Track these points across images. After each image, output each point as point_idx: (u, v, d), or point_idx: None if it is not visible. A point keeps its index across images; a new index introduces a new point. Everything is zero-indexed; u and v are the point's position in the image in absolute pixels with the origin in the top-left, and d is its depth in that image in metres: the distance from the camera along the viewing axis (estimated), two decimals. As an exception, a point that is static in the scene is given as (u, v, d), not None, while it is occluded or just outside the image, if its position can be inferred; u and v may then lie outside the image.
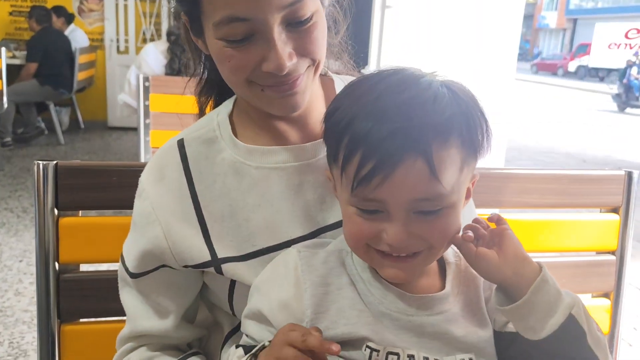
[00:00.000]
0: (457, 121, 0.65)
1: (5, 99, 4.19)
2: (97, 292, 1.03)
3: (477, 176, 0.73)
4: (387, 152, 0.62)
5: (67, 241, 1.01)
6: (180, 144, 0.83)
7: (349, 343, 0.68)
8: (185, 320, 0.85)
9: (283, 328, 0.65)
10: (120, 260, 0.86)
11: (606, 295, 1.29)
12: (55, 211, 0.99)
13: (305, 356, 0.61)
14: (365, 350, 0.68)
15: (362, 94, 0.67)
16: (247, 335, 0.75)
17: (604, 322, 1.29)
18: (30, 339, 2.29)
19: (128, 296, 0.85)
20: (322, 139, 0.80)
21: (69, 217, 1.01)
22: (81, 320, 1.05)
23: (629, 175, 1.25)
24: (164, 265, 0.81)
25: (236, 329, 0.85)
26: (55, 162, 0.99)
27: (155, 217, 0.79)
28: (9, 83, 4.46)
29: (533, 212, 1.27)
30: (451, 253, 0.78)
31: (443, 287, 0.74)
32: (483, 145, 0.69)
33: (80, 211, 1.03)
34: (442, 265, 0.76)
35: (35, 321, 1.02)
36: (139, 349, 0.86)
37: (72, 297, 1.02)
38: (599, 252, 1.29)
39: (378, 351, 0.68)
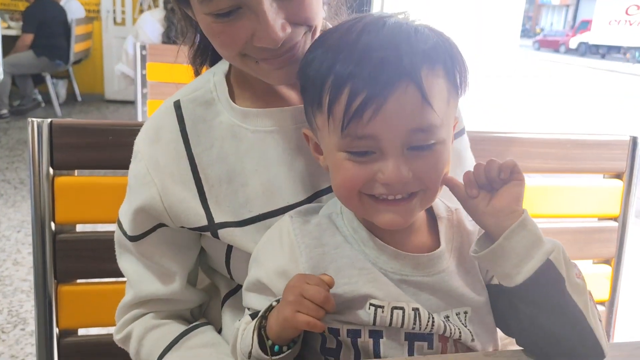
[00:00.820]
0: (441, 50, 0.65)
1: (1, 69, 4.13)
2: (93, 252, 1.01)
3: (457, 120, 0.73)
4: (377, 81, 0.61)
5: (63, 201, 0.99)
6: (177, 106, 0.81)
7: (353, 302, 0.68)
8: (189, 284, 0.84)
9: (295, 280, 0.65)
10: (117, 226, 0.84)
11: (607, 262, 1.28)
12: (51, 170, 0.98)
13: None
14: (369, 308, 0.67)
15: (340, 37, 0.66)
16: (248, 309, 0.75)
17: (605, 288, 1.29)
18: (29, 307, 2.29)
19: (128, 262, 0.84)
20: None
21: (64, 176, 0.99)
22: (78, 281, 1.04)
23: (634, 141, 1.23)
24: (161, 225, 0.80)
25: (234, 291, 0.84)
26: (49, 120, 0.97)
27: (151, 179, 0.78)
28: (4, 54, 4.39)
29: (535, 177, 1.25)
30: (442, 207, 0.77)
31: (436, 243, 0.73)
32: (463, 81, 0.69)
33: (75, 171, 1.01)
34: (434, 220, 0.75)
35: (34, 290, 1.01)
36: (143, 317, 0.85)
37: (68, 257, 1.01)
38: (600, 219, 1.28)
39: (382, 307, 0.67)
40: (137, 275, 0.82)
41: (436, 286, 0.70)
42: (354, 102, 0.62)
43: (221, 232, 0.76)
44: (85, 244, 1.02)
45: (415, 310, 0.68)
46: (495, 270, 0.68)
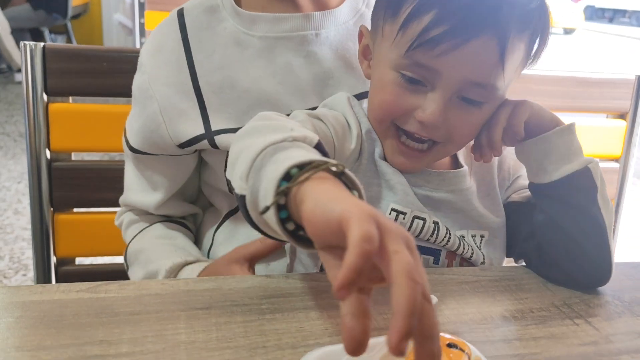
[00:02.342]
0: (538, 17, 0.63)
1: (-3, 22, 4.07)
2: (89, 181, 1.00)
3: None
4: (466, 20, 0.57)
5: (57, 128, 0.98)
6: (180, 14, 0.79)
7: (374, 204, 0.67)
8: (175, 199, 0.84)
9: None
10: (123, 135, 0.84)
11: (607, 203, 1.28)
12: (45, 97, 0.96)
13: None
14: (390, 213, 0.67)
15: None
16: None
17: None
18: (31, 254, 2.30)
19: (128, 167, 0.86)
20: (336, 8, 0.77)
21: (59, 103, 0.98)
22: (74, 210, 1.04)
23: (639, 80, 1.21)
24: (162, 155, 0.80)
25: (235, 210, 0.84)
26: (42, 44, 0.95)
27: (152, 93, 0.76)
28: (1, 8, 4.32)
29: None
30: None
31: (458, 165, 0.73)
32: (538, 53, 0.66)
33: (70, 98, 1.00)
34: None
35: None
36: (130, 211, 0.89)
37: (64, 185, 1.00)
38: (602, 159, 1.27)
39: (405, 214, 0.67)
40: (129, 180, 0.85)
41: (458, 204, 0.70)
42: (433, 29, 0.58)
43: (219, 139, 0.74)
44: (81, 172, 1.00)
45: (436, 224, 0.68)
46: (532, 164, 0.68)
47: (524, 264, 0.72)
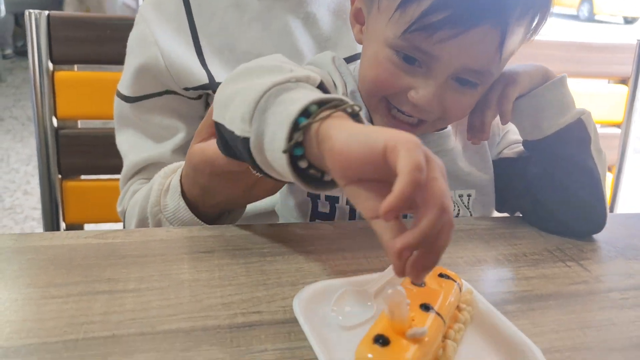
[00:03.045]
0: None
1: (2, 7, 4.08)
2: (95, 148, 1.03)
3: None
4: (467, 8, 0.54)
5: (63, 96, 1.00)
6: None
7: None
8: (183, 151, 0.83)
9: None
10: (115, 97, 0.83)
11: (608, 169, 1.28)
12: (50, 65, 0.98)
13: None
14: None
15: None
16: None
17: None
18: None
19: (124, 136, 0.84)
20: None
21: (64, 71, 0.99)
22: (82, 177, 1.06)
23: (641, 45, 1.21)
24: (168, 92, 0.78)
25: None
26: (47, 12, 0.96)
27: (153, 39, 0.76)
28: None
29: (539, 80, 1.24)
30: None
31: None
32: (536, 30, 0.63)
33: (75, 66, 1.01)
34: None
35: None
36: (132, 191, 0.82)
37: (71, 153, 1.02)
38: (604, 125, 1.27)
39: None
40: (130, 144, 0.82)
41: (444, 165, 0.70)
42: (433, 14, 0.55)
43: None
44: (88, 139, 1.03)
45: None
46: (525, 122, 0.68)
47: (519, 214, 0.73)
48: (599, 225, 0.66)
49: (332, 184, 0.46)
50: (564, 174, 0.66)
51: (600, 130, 1.28)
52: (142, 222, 0.72)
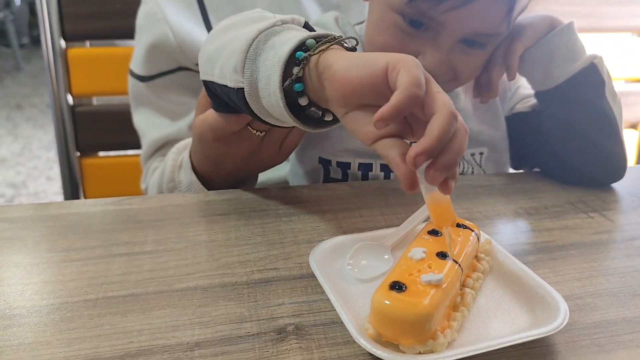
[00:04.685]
0: None
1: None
2: (112, 124, 1.03)
3: None
4: None
5: (77, 73, 1.00)
6: None
7: None
8: None
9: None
10: (129, 77, 0.84)
11: (633, 127, 1.25)
12: (63, 42, 0.98)
13: None
14: None
15: None
16: None
17: (631, 154, 1.26)
18: (65, 216, 2.39)
19: (141, 115, 0.83)
20: None
21: (77, 48, 1.00)
22: (100, 154, 1.07)
23: (664, -4, 1.17)
24: (181, 68, 0.78)
25: None
26: (57, -11, 0.96)
27: (162, 16, 0.76)
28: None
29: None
30: None
31: None
32: None
33: (87, 43, 1.02)
34: None
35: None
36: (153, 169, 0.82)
37: (88, 130, 1.03)
38: (627, 82, 1.24)
39: None
40: (148, 122, 0.82)
41: None
42: None
43: None
44: (104, 116, 1.03)
45: None
46: (536, 72, 0.65)
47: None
48: (620, 171, 0.65)
49: (331, 122, 0.47)
50: (581, 121, 0.64)
51: (625, 87, 1.25)
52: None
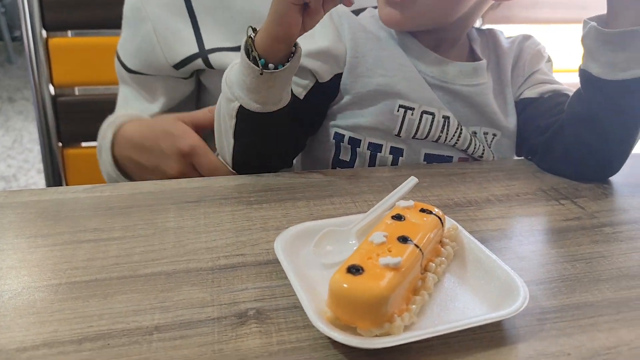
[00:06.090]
0: None
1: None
2: (94, 114, 1.01)
3: None
4: None
5: (59, 63, 1.00)
6: None
7: (382, 100, 0.67)
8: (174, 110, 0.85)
9: None
10: (115, 58, 0.85)
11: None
12: (44, 32, 0.98)
13: None
14: (397, 110, 0.67)
15: None
16: None
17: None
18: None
19: (122, 93, 0.86)
20: None
21: (58, 37, 0.99)
22: (83, 144, 1.06)
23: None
24: (159, 76, 0.81)
25: None
26: (36, -22, 0.96)
27: (146, 14, 0.77)
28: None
29: (544, 28, 1.20)
30: (474, 31, 0.76)
31: (474, 59, 0.72)
32: None
33: (69, 33, 1.01)
34: (471, 45, 0.74)
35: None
36: None
37: (70, 120, 1.02)
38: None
39: (413, 109, 0.67)
40: (124, 99, 0.85)
41: (473, 98, 0.70)
42: None
43: (213, 57, 0.75)
44: (86, 105, 1.03)
45: (446, 118, 0.68)
46: (602, 55, 0.59)
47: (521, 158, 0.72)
48: (608, 176, 0.65)
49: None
50: (613, 125, 0.61)
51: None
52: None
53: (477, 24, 0.94)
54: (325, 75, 0.66)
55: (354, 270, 0.37)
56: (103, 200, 0.56)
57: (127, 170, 0.77)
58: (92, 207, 0.55)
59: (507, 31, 1.13)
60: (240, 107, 0.59)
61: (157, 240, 0.49)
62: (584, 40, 0.62)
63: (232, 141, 0.62)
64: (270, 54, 0.56)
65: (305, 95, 0.65)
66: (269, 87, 0.57)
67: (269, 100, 0.58)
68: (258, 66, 0.56)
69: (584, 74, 0.62)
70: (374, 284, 0.36)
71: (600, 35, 0.59)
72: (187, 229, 0.51)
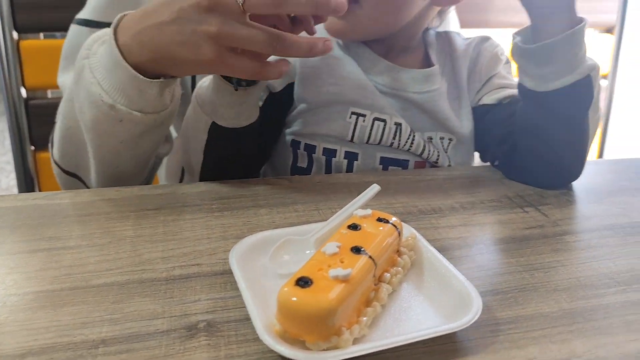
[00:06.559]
0: None
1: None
2: (67, 118, 1.02)
3: None
4: None
5: (31, 66, 0.98)
6: None
7: (334, 110, 0.67)
8: None
9: None
10: (71, 27, 0.78)
11: (594, 122, 1.26)
12: (15, 34, 0.96)
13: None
14: (350, 117, 0.67)
15: None
16: None
17: (593, 146, 1.27)
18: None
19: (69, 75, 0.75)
20: None
21: (30, 40, 0.98)
22: (56, 148, 1.05)
23: (626, -8, 1.18)
24: None
25: None
26: (7, -21, 0.94)
27: None
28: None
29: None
30: (432, 34, 0.75)
31: (429, 65, 0.72)
32: None
33: (41, 35, 1.00)
34: (427, 48, 0.74)
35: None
36: None
37: (43, 123, 1.01)
38: (589, 77, 1.25)
39: (364, 116, 0.67)
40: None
41: (426, 105, 0.69)
42: None
43: None
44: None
45: (398, 125, 0.68)
46: (530, 69, 0.62)
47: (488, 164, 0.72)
48: (572, 180, 0.65)
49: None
50: (555, 132, 0.62)
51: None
52: (68, 103, 0.67)
53: (454, 27, 0.95)
54: (277, 86, 0.67)
55: (303, 282, 0.36)
56: (62, 208, 0.55)
57: (143, 54, 0.55)
58: (51, 215, 0.54)
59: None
60: (213, 123, 0.60)
61: (113, 249, 0.48)
62: (512, 55, 0.64)
63: (201, 157, 0.63)
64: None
65: (261, 107, 0.65)
66: (242, 103, 0.59)
67: (242, 115, 0.60)
68: (231, 83, 0.57)
69: (520, 87, 0.65)
70: (321, 297, 0.35)
71: (523, 52, 0.61)
72: (144, 237, 0.50)
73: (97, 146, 0.62)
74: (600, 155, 1.27)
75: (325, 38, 0.53)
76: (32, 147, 1.02)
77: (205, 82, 0.62)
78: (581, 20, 0.59)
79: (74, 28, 0.76)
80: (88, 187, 0.71)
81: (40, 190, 1.04)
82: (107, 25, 0.72)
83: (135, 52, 0.55)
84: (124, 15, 0.58)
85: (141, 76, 0.55)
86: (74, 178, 0.73)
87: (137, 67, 0.55)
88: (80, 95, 0.60)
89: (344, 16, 0.62)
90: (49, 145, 0.77)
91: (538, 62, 0.60)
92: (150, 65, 0.55)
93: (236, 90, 0.57)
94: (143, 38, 0.54)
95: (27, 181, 1.03)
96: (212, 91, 0.59)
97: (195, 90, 0.62)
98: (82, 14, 0.77)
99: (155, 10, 0.54)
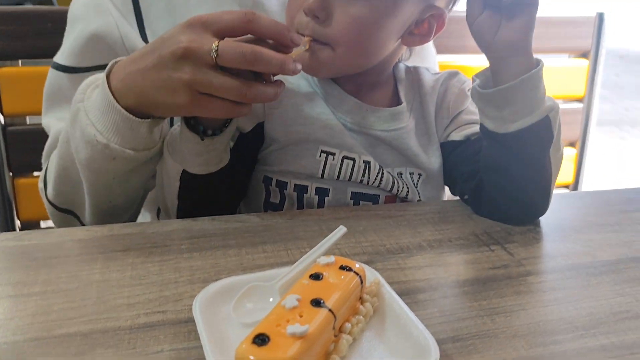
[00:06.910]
0: None
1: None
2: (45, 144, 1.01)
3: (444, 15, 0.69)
4: None
5: (9, 93, 0.98)
6: None
7: (303, 148, 0.68)
8: None
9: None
10: (50, 71, 0.78)
11: (572, 144, 1.28)
12: (-7, 61, 0.96)
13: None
14: (319, 155, 0.68)
15: None
16: None
17: (569, 170, 1.29)
18: None
19: (55, 114, 0.79)
20: None
21: (8, 67, 0.98)
22: (34, 174, 1.05)
23: (600, 17, 1.19)
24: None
25: None
26: (-17, 7, 0.95)
27: (108, 8, 0.73)
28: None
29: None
30: (402, 68, 0.76)
31: (398, 102, 0.73)
32: None
33: (20, 62, 1.00)
34: (396, 84, 0.75)
35: None
36: None
37: (21, 150, 1.01)
38: (566, 101, 1.26)
39: (334, 155, 0.68)
40: (59, 118, 0.78)
41: (394, 142, 0.71)
42: None
43: None
44: (37, 135, 1.00)
45: (367, 163, 0.69)
46: (489, 112, 0.63)
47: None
48: (536, 217, 0.66)
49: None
50: (517, 171, 0.63)
51: (563, 105, 1.27)
52: (64, 144, 0.67)
53: (430, 53, 0.96)
54: (246, 126, 0.68)
55: (260, 340, 0.37)
56: (30, 250, 0.55)
57: (129, 96, 0.59)
58: (17, 258, 0.54)
59: (462, 61, 1.16)
60: (184, 170, 0.61)
61: (79, 295, 0.48)
62: (472, 98, 0.66)
63: (176, 202, 0.65)
64: (208, 120, 0.60)
65: (232, 148, 0.66)
66: (210, 150, 0.61)
67: (211, 162, 0.62)
68: (198, 134, 0.59)
69: (481, 128, 0.66)
70: (278, 356, 0.36)
71: (482, 96, 0.63)
72: (111, 282, 0.50)
73: (91, 183, 0.65)
74: (577, 177, 1.29)
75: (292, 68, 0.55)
76: (10, 174, 1.02)
77: (175, 129, 0.63)
78: (538, 62, 0.61)
79: (52, 72, 0.79)
80: (82, 223, 0.74)
81: (18, 216, 1.04)
82: (84, 70, 0.76)
83: (124, 95, 0.59)
84: (116, 61, 0.62)
85: (133, 116, 0.59)
86: (69, 215, 0.76)
87: (127, 109, 0.59)
88: (76, 136, 0.63)
89: (315, 56, 0.63)
90: (41, 185, 0.80)
91: (496, 105, 0.62)
92: (137, 107, 0.59)
93: (202, 140, 0.59)
94: (129, 82, 0.58)
95: (6, 206, 1.03)
96: (180, 140, 0.61)
97: (166, 138, 0.64)
98: (59, 59, 0.78)
99: (141, 56, 0.58)
